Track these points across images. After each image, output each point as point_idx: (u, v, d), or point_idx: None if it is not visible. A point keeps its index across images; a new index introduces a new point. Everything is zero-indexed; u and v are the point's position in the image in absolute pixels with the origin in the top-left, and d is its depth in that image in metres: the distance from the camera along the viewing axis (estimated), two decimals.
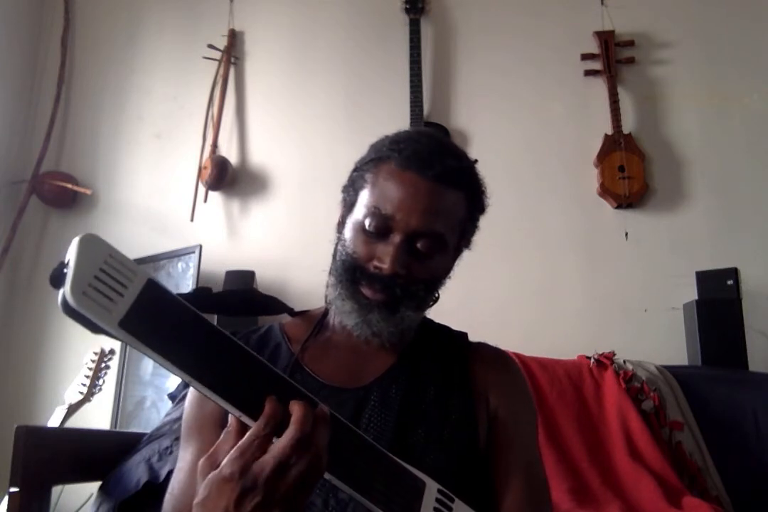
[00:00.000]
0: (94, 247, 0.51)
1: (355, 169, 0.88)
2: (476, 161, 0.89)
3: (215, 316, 1.84)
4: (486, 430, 0.85)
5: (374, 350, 0.87)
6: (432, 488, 0.67)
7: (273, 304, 1.00)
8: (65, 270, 0.49)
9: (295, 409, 0.57)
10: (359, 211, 0.84)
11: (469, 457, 0.82)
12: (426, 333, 0.92)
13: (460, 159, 0.85)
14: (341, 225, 0.89)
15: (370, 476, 0.62)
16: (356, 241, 0.83)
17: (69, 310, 0.49)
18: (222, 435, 0.60)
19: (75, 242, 0.50)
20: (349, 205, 0.87)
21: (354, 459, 0.62)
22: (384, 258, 0.80)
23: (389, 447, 0.67)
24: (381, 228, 0.81)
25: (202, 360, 0.55)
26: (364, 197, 0.84)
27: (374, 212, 0.81)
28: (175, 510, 0.78)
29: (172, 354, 0.53)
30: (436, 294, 0.89)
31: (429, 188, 0.80)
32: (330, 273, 0.87)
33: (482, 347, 0.95)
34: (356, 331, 0.84)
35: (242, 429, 0.58)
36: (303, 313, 0.98)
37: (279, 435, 0.56)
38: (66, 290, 0.48)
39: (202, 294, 0.90)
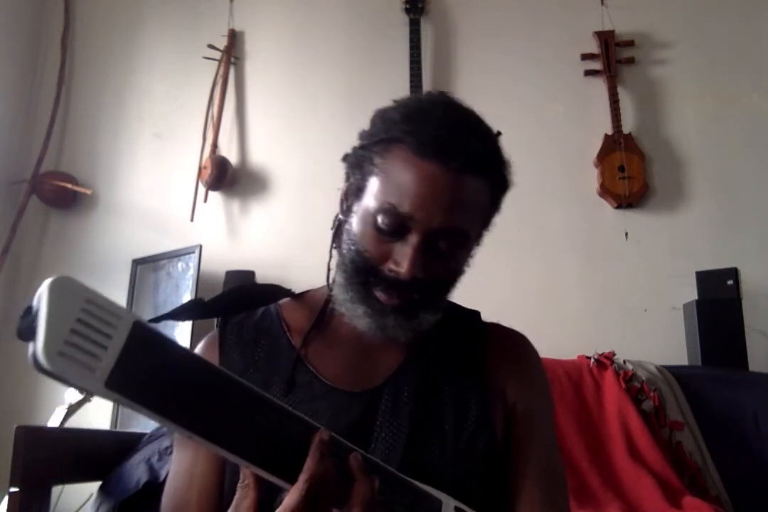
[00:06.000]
0: (69, 293, 0.42)
1: (362, 146, 0.76)
2: (500, 133, 0.78)
3: None
4: (503, 430, 0.79)
5: (383, 344, 0.78)
6: (449, 506, 0.63)
7: (271, 293, 0.89)
8: (35, 323, 0.41)
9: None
10: (369, 202, 0.72)
11: (486, 464, 0.76)
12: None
13: (484, 139, 0.75)
14: (345, 205, 0.78)
15: (382, 503, 0.57)
16: (367, 237, 0.72)
17: (44, 372, 0.41)
18: (238, 491, 0.56)
19: (45, 288, 0.41)
20: (355, 189, 0.76)
21: None
22: (401, 262, 0.69)
23: (401, 461, 0.62)
24: (397, 226, 0.70)
25: (203, 413, 0.48)
26: (375, 186, 0.73)
27: (389, 209, 0.70)
28: None
29: (169, 410, 0.46)
30: None
31: (452, 181, 0.70)
32: (336, 265, 0.78)
33: (498, 331, 0.87)
34: (368, 333, 0.75)
35: (259, 480, 0.55)
36: (302, 295, 0.88)
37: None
38: (38, 350, 0.40)
39: (193, 307, 0.82)
